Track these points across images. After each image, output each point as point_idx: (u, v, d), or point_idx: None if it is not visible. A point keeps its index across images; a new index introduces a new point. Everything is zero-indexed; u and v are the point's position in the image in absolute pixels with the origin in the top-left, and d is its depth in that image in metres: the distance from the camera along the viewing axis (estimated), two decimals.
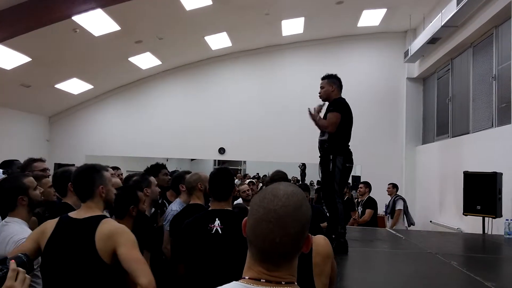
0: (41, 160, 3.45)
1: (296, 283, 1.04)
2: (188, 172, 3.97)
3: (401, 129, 10.41)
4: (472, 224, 6.28)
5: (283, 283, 1.01)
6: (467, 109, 7.64)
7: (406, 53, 9.62)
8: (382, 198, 7.56)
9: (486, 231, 5.38)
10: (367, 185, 7.27)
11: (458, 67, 8.34)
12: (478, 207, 5.37)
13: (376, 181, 7.70)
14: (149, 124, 11.57)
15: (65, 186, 2.66)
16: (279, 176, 3.18)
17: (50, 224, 2.06)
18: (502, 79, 6.52)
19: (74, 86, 10.76)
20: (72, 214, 2.09)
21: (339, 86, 3.85)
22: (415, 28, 10.19)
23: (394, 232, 4.84)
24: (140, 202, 2.80)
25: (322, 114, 3.77)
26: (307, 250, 1.07)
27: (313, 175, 14.60)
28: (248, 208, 3.42)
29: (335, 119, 3.58)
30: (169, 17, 8.59)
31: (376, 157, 10.06)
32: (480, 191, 5.40)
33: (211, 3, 8.04)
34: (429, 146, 9.49)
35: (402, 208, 7.21)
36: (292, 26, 9.97)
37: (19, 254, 1.42)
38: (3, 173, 3.24)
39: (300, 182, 12.91)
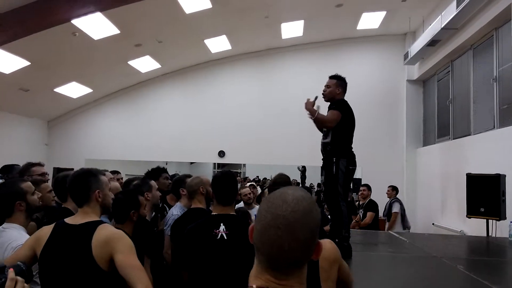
0: (39, 164, 3.40)
1: None
2: (189, 176, 3.92)
3: (402, 131, 10.38)
4: (474, 227, 6.24)
5: None
6: (468, 110, 7.61)
7: (405, 56, 9.60)
8: (383, 201, 7.53)
9: (489, 234, 5.32)
10: (369, 187, 7.23)
11: (458, 69, 8.32)
12: (482, 210, 5.32)
13: (377, 183, 7.66)
14: (149, 128, 11.52)
15: (66, 191, 2.61)
16: (282, 180, 3.14)
17: (45, 231, 2.01)
18: (503, 80, 6.49)
19: (73, 90, 10.71)
20: (68, 220, 2.04)
21: (344, 90, 3.81)
22: (415, 30, 10.18)
23: (397, 235, 4.79)
24: (141, 207, 2.75)
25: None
26: (317, 257, 1.02)
27: (313, 178, 14.57)
28: (249, 212, 3.37)
29: (336, 116, 3.53)
30: (168, 20, 8.56)
31: (376, 159, 10.02)
32: (483, 193, 5.35)
33: (210, 6, 8.02)
34: (430, 148, 9.46)
35: (398, 211, 7.19)
36: (292, 29, 9.95)
37: (18, 263, 1.37)
38: (0, 178, 3.19)
39: (300, 185, 12.87)
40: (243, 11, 8.70)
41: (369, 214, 6.88)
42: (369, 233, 5.70)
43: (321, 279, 1.66)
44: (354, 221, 6.87)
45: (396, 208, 7.23)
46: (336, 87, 3.75)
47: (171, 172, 4.74)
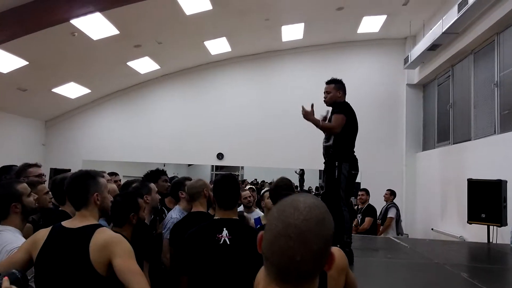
0: (36, 165, 3.34)
1: None
2: (188, 178, 3.86)
3: (401, 135, 10.35)
4: (474, 232, 6.20)
5: None
6: (469, 115, 7.58)
7: (406, 60, 9.58)
8: (382, 205, 7.50)
9: (490, 240, 5.28)
10: (368, 192, 7.19)
11: (459, 74, 8.30)
12: (483, 215, 5.27)
13: (376, 188, 7.62)
14: (147, 129, 11.46)
15: (64, 194, 2.55)
16: (284, 183, 3.08)
17: (42, 234, 1.96)
18: (504, 85, 6.47)
19: (72, 90, 10.64)
20: (65, 223, 1.98)
21: (345, 91, 3.78)
22: (415, 34, 10.17)
23: (397, 241, 4.74)
24: (141, 210, 2.69)
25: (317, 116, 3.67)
26: (329, 268, 0.97)
27: (311, 181, 14.54)
28: (248, 216, 3.30)
29: (341, 120, 3.48)
30: (168, 21, 8.52)
31: (376, 164, 9.97)
32: (484, 199, 5.31)
33: (211, 7, 7.98)
34: (430, 152, 9.42)
35: (394, 216, 7.16)
36: (292, 32, 9.92)
37: (13, 271, 1.32)
38: None
39: (299, 189, 12.83)
40: (243, 13, 8.66)
41: (367, 219, 6.84)
42: (368, 238, 5.65)
43: (329, 287, 1.61)
44: (353, 225, 6.83)
45: (391, 213, 7.20)
46: (336, 91, 3.71)
47: (169, 174, 4.68)
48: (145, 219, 2.95)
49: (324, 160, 3.70)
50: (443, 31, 7.36)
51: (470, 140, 7.43)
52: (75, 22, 7.52)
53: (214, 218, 2.43)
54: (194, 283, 2.28)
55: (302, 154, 10.22)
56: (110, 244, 1.86)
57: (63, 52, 8.69)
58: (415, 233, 9.29)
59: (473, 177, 5.69)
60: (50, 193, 2.88)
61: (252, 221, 3.79)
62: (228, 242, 2.23)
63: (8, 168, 3.70)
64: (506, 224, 5.16)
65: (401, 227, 7.33)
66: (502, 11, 6.16)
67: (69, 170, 9.29)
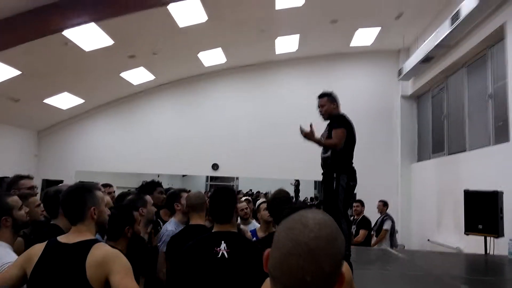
0: (28, 177, 3.25)
1: None
2: (184, 190, 3.81)
3: (396, 146, 10.36)
4: (470, 243, 6.18)
5: None
6: (463, 127, 7.62)
7: (400, 71, 9.65)
8: (376, 216, 7.47)
9: (488, 251, 5.25)
10: (362, 203, 7.17)
11: (452, 86, 8.36)
12: (480, 226, 5.26)
13: (371, 199, 7.59)
14: (141, 140, 11.37)
15: (57, 208, 2.47)
16: (282, 195, 3.04)
17: (37, 249, 1.88)
18: (498, 97, 6.52)
19: (65, 100, 10.55)
20: (61, 238, 1.91)
21: (338, 102, 3.77)
22: (408, 47, 10.25)
23: (395, 252, 4.69)
24: (136, 223, 2.63)
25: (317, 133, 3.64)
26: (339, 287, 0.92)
27: (307, 192, 14.48)
28: (245, 228, 3.22)
29: (342, 135, 3.46)
30: (164, 32, 8.51)
31: (371, 175, 9.93)
32: (481, 210, 5.30)
33: (206, 19, 7.98)
34: (425, 163, 9.43)
35: (389, 228, 7.14)
36: (287, 43, 9.96)
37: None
38: None
39: (294, 199, 12.76)
40: (239, 25, 8.69)
41: (361, 232, 6.80)
42: (365, 249, 5.59)
43: None
44: None
45: (387, 226, 7.18)
46: (331, 103, 3.72)
47: (163, 185, 4.61)
48: (140, 232, 2.88)
49: (322, 171, 3.67)
50: (436, 43, 7.43)
51: (465, 151, 7.45)
52: (69, 32, 7.48)
53: (213, 231, 2.38)
54: None
55: (297, 164, 10.19)
56: (108, 260, 1.80)
57: (56, 62, 8.63)
58: (411, 244, 9.25)
59: (468, 188, 5.69)
60: (42, 205, 2.80)
61: (249, 233, 3.72)
62: (226, 256, 2.17)
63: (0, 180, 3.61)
64: (503, 235, 5.14)
65: (396, 240, 7.31)
66: (493, 25, 6.26)
67: (62, 181, 9.18)
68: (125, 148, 11.32)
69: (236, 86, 11.36)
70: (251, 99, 11.21)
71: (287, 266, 0.86)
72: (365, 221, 7.01)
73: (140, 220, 2.79)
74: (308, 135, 3.51)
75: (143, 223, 3.03)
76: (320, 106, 3.75)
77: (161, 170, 11.15)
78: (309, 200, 14.10)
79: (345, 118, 3.62)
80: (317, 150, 3.81)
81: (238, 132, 10.96)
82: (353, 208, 7.25)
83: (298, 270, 0.85)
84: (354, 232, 6.88)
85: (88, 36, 7.83)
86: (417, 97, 10.30)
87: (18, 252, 2.16)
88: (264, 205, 3.78)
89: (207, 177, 12.52)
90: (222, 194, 2.41)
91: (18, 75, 8.39)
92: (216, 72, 11.21)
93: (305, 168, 9.45)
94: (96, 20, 7.31)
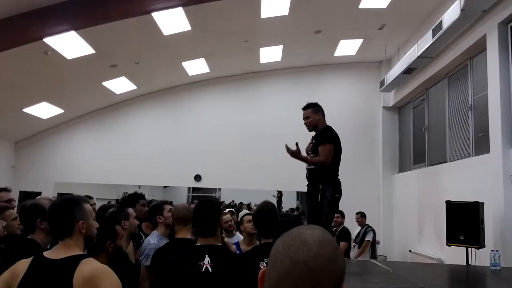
0: (6, 189, 3.14)
1: None
2: (167, 202, 3.73)
3: (378, 157, 10.44)
4: (452, 254, 6.24)
5: None
6: (444, 138, 7.73)
7: (382, 83, 9.77)
8: (357, 228, 7.58)
9: (469, 262, 5.29)
10: (343, 214, 7.20)
11: (433, 97, 8.50)
12: (462, 238, 5.30)
13: (353, 210, 7.64)
14: (122, 150, 11.16)
15: (34, 222, 2.36)
16: (267, 208, 3.00)
17: (22, 265, 1.80)
18: (478, 109, 6.63)
19: (44, 110, 10.30)
20: (47, 254, 1.84)
21: (323, 113, 3.78)
22: (390, 58, 10.41)
23: (380, 264, 4.68)
24: (118, 237, 2.54)
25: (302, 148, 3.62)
26: None
27: (289, 203, 14.47)
28: (227, 241, 3.16)
29: (330, 151, 3.46)
30: (146, 41, 8.43)
31: (352, 186, 9.88)
32: (463, 221, 5.35)
33: (190, 28, 7.95)
34: (407, 174, 9.53)
35: (371, 240, 7.26)
36: (271, 54, 9.99)
37: None
38: None
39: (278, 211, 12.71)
40: (222, 35, 8.68)
41: (342, 244, 6.85)
42: (348, 262, 5.55)
43: None
44: None
45: (369, 237, 7.32)
46: (315, 114, 3.72)
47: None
48: (123, 246, 2.79)
49: (307, 183, 3.65)
50: (418, 55, 7.54)
51: (445, 162, 7.55)
52: (49, 40, 7.32)
53: (196, 245, 2.33)
54: None
55: (279, 175, 10.17)
56: (96, 276, 1.73)
57: (35, 71, 8.44)
58: (393, 254, 9.30)
59: (449, 199, 5.75)
60: (18, 219, 2.69)
61: (234, 246, 3.66)
62: (210, 270, 2.12)
63: None
64: (484, 246, 5.19)
65: (376, 251, 7.42)
66: (475, 36, 6.38)
67: (40, 193, 8.91)
68: (105, 159, 11.10)
69: (219, 97, 11.32)
70: (234, 110, 11.17)
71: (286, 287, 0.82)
72: (345, 233, 7.09)
73: (123, 234, 2.71)
74: (294, 154, 3.50)
75: (126, 237, 2.94)
76: (305, 117, 3.75)
77: (143, 181, 10.96)
78: (289, 211, 14.09)
79: (331, 131, 3.62)
80: (300, 162, 3.78)
81: (221, 143, 10.89)
82: (334, 219, 7.29)
83: None
84: None
85: (69, 45, 7.68)
86: (398, 108, 10.45)
87: None
88: (248, 217, 3.72)
89: (189, 188, 12.37)
90: (206, 206, 2.36)
91: None
92: (199, 82, 11.14)
93: (287, 179, 9.44)
94: (77, 28, 7.19)
